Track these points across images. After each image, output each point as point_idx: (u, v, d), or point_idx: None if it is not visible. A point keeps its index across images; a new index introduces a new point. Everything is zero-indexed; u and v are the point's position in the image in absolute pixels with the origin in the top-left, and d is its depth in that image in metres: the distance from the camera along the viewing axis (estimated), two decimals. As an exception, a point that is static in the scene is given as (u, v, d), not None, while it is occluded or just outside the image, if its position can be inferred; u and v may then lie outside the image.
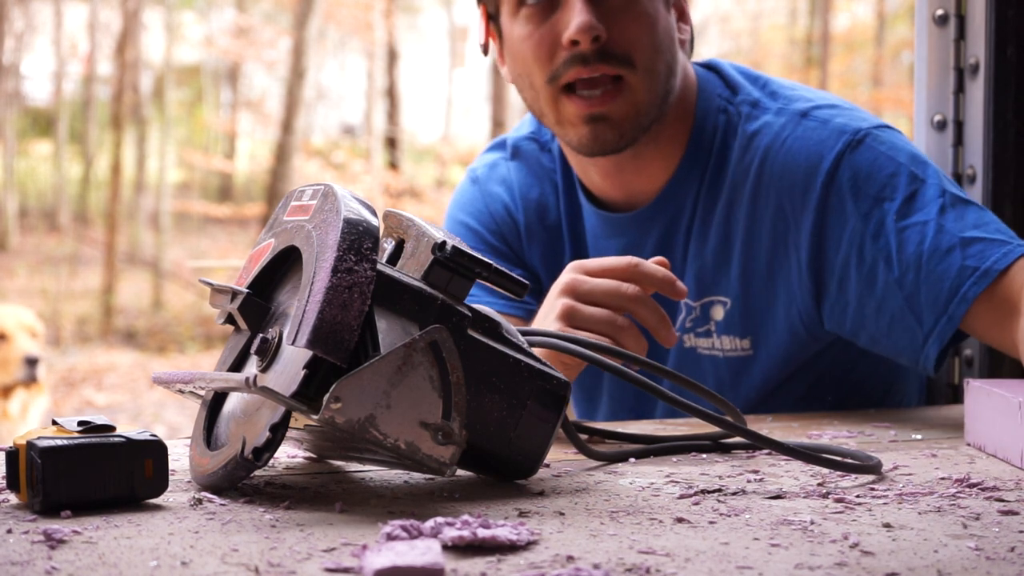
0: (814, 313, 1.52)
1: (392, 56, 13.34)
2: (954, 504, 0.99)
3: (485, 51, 1.59)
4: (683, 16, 1.55)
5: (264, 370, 0.99)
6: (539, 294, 1.63)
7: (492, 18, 1.55)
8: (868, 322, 1.46)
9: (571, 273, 1.35)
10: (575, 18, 1.44)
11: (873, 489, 1.05)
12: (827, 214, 1.46)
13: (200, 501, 0.97)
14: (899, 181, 1.44)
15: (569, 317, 1.30)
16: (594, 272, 1.34)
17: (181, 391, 1.07)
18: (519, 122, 1.76)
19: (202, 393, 1.07)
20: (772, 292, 1.52)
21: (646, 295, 1.32)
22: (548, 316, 1.33)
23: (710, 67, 1.61)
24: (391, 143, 13.14)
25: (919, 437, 1.36)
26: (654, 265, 1.33)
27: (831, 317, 1.50)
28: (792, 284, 1.50)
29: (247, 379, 0.93)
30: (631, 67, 1.46)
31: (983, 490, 1.04)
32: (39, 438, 0.93)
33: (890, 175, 1.45)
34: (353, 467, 1.13)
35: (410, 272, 1.04)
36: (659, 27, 1.49)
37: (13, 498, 0.98)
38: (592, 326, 1.30)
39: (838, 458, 1.11)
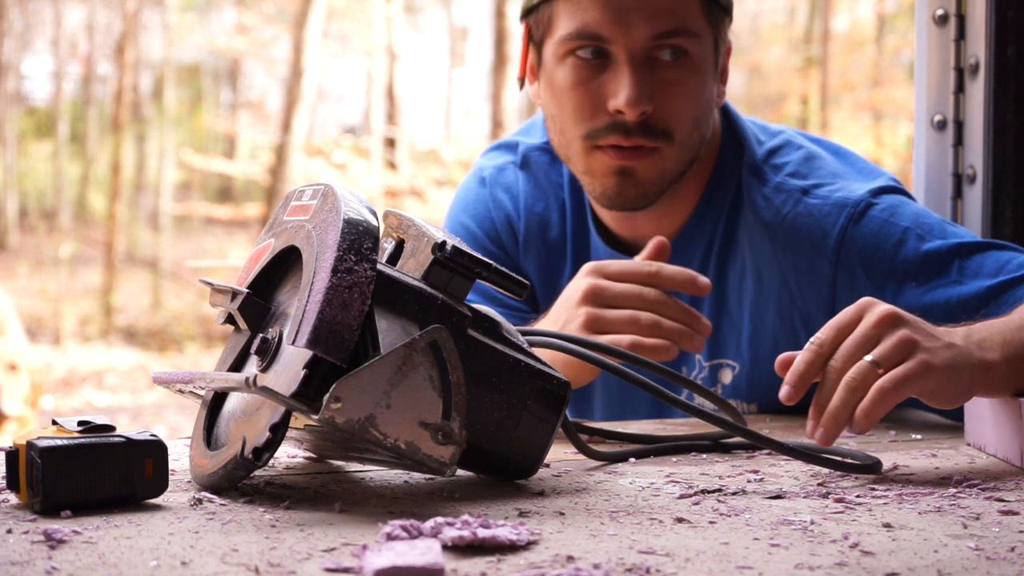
0: None
1: (392, 56, 13.34)
2: (954, 504, 0.99)
3: (522, 84, 1.57)
4: (724, 76, 1.54)
5: (264, 370, 0.99)
6: (532, 301, 1.64)
7: (533, 41, 1.52)
8: None
9: (591, 278, 1.36)
10: (625, 89, 1.42)
11: (873, 489, 1.05)
12: (838, 290, 1.46)
13: (200, 501, 0.97)
14: (907, 248, 1.43)
15: (592, 324, 1.33)
16: (614, 276, 1.35)
17: (181, 391, 1.07)
18: (529, 122, 1.75)
19: (202, 393, 1.07)
20: None
21: (669, 297, 1.33)
22: (569, 324, 1.35)
23: (726, 116, 1.60)
24: (391, 143, 13.15)
25: (919, 437, 1.36)
26: (674, 268, 1.35)
27: None
28: None
29: (247, 379, 0.93)
30: (669, 140, 1.46)
31: (983, 490, 1.04)
32: (39, 438, 0.93)
33: (897, 243, 1.44)
34: (353, 467, 1.13)
35: (410, 272, 1.04)
36: (702, 102, 1.48)
37: (13, 498, 0.98)
38: (616, 328, 1.32)
39: (838, 458, 1.12)
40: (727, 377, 1.56)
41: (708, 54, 1.48)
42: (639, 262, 1.37)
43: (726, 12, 1.50)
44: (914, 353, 1.09)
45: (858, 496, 1.02)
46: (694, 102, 1.47)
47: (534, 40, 1.52)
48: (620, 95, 1.43)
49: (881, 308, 1.12)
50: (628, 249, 1.58)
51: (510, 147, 1.71)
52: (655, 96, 1.44)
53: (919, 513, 0.96)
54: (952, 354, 1.11)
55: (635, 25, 1.43)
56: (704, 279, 1.35)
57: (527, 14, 1.52)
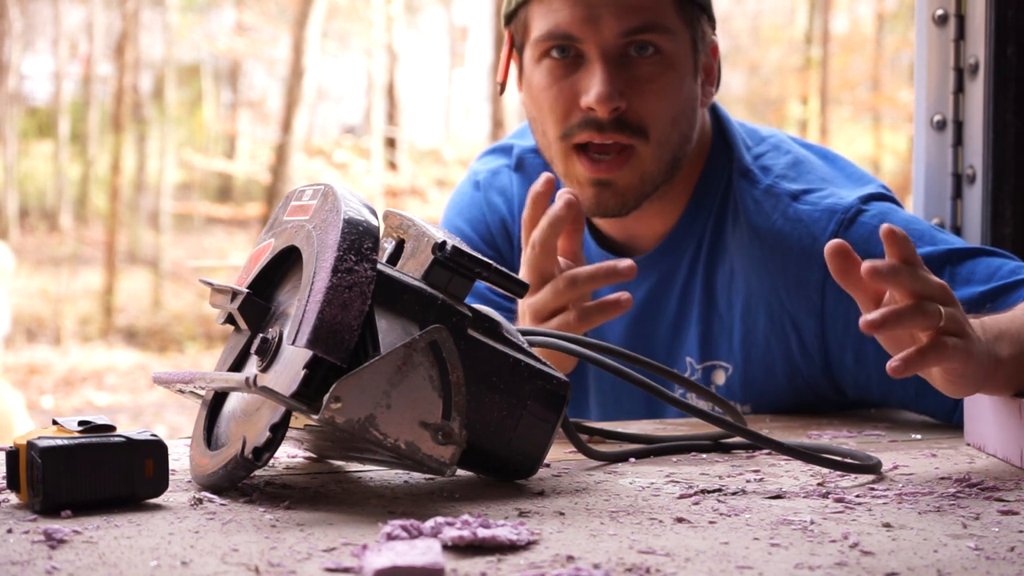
0: (825, 384, 1.52)
1: (392, 56, 13.34)
2: (954, 504, 0.99)
3: (502, 89, 1.57)
4: (710, 76, 1.54)
5: (264, 370, 0.99)
6: None
7: (515, 45, 1.53)
8: (896, 390, 1.46)
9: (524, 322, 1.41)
10: (596, 86, 1.43)
11: (873, 489, 1.05)
12: (828, 294, 1.46)
13: (200, 501, 0.97)
14: None
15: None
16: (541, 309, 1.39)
17: (181, 391, 1.07)
18: (524, 125, 1.75)
19: (202, 393, 1.07)
20: (771, 364, 1.53)
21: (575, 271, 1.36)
22: None
23: (716, 118, 1.59)
24: (391, 143, 13.15)
25: (919, 437, 1.36)
26: (589, 270, 1.37)
27: (855, 388, 1.50)
28: (795, 360, 1.50)
29: (247, 379, 0.93)
30: (644, 138, 1.46)
31: (983, 490, 1.04)
32: (39, 438, 0.93)
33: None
34: (353, 467, 1.13)
35: (410, 272, 1.04)
36: (680, 99, 1.48)
37: (13, 498, 0.98)
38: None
39: (838, 458, 1.12)
40: (720, 378, 1.56)
41: (684, 52, 1.47)
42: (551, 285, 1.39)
43: (703, 10, 1.50)
44: (963, 334, 1.08)
45: (858, 496, 1.02)
46: (670, 99, 1.47)
47: (516, 45, 1.53)
48: (591, 92, 1.43)
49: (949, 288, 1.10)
50: (620, 250, 1.59)
51: (504, 150, 1.72)
52: (628, 93, 1.44)
53: (919, 513, 0.96)
54: (980, 347, 1.11)
55: (605, 23, 1.43)
56: (626, 262, 1.36)
57: (508, 21, 1.53)
